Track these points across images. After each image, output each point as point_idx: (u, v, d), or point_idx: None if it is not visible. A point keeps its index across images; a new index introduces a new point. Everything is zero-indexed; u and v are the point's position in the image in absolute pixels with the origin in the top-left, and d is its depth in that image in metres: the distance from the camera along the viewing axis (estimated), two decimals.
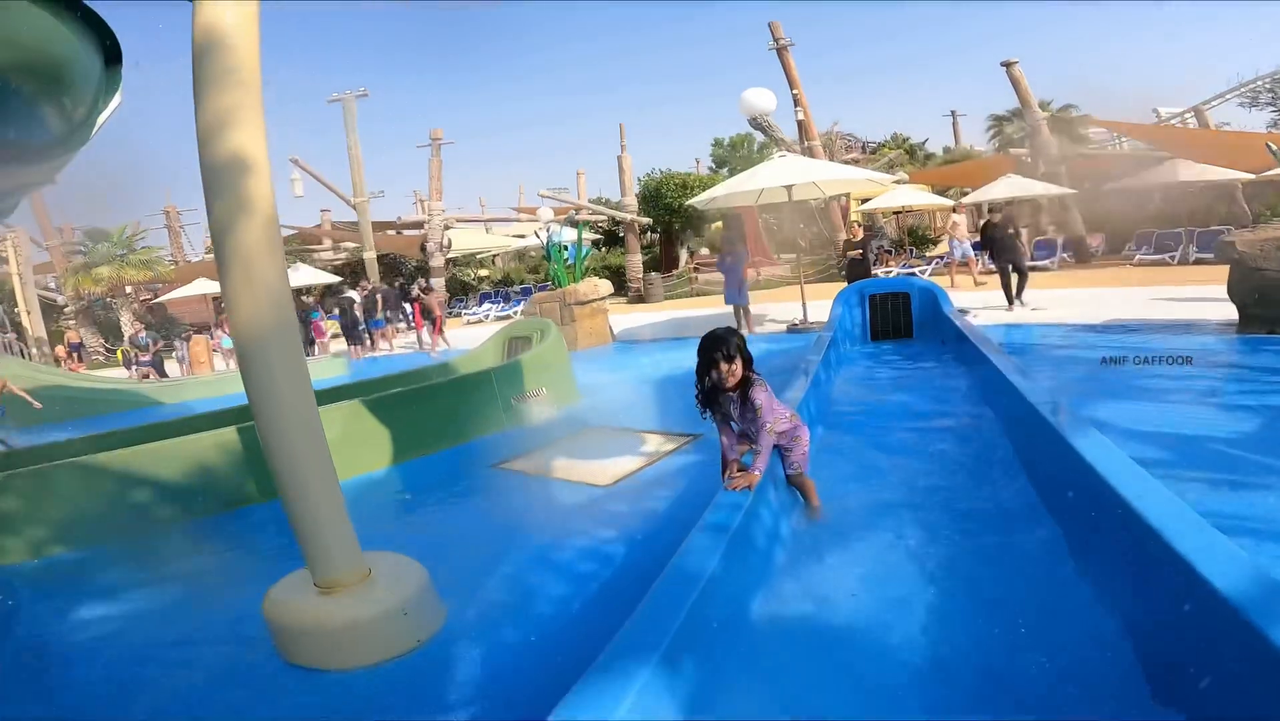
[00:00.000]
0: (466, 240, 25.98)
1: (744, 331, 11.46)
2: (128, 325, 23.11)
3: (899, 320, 7.85)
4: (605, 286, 12.51)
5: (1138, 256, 16.28)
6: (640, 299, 20.75)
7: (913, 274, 16.08)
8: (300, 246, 28.10)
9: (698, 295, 20.70)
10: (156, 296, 24.48)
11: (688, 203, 11.78)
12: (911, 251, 21.77)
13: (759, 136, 28.95)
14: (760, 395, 3.10)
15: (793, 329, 10.92)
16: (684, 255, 24.25)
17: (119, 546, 4.52)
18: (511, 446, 6.12)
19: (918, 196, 20.54)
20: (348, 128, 21.67)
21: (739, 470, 3.22)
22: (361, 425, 5.85)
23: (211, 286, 23.90)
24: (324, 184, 22.62)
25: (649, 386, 8.05)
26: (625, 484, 4.73)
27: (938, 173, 25.64)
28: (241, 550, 4.56)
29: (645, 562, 3.37)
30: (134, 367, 14.93)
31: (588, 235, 24.71)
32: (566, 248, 12.34)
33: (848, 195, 20.52)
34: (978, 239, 14.95)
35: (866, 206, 21.33)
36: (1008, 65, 18.91)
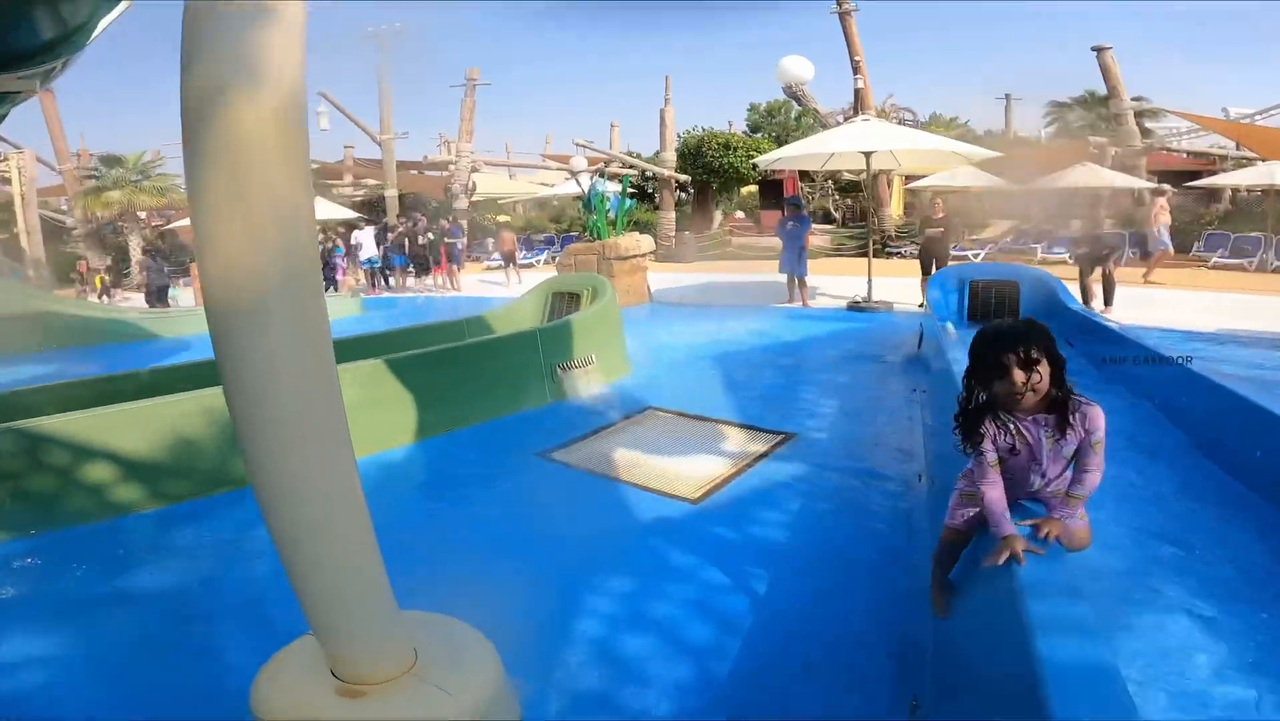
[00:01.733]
0: (491, 185, 24.62)
1: (799, 304, 10.33)
2: (135, 250, 22.07)
3: (1003, 312, 6.72)
4: (647, 242, 11.34)
5: (1214, 259, 14.92)
6: (670, 258, 19.54)
7: (965, 258, 14.85)
8: (320, 181, 26.73)
9: (730, 259, 19.46)
10: (169, 223, 23.28)
11: (757, 159, 10.48)
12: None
13: (796, 105, 27.28)
14: (1096, 419, 1.91)
15: (855, 306, 9.78)
16: (718, 216, 22.89)
17: (50, 539, 3.51)
18: (559, 427, 5.10)
19: (979, 178, 19.02)
20: (381, 63, 20.21)
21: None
22: (380, 390, 4.81)
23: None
24: (352, 120, 21.20)
25: (705, 362, 6.98)
26: (717, 498, 3.71)
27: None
28: (220, 557, 3.33)
29: (777, 631, 2.38)
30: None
31: (615, 188, 23.38)
32: (608, 199, 11.13)
33: (891, 171, 19.11)
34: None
35: (919, 185, 19.84)
36: (1099, 50, 17.24)
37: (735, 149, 20.15)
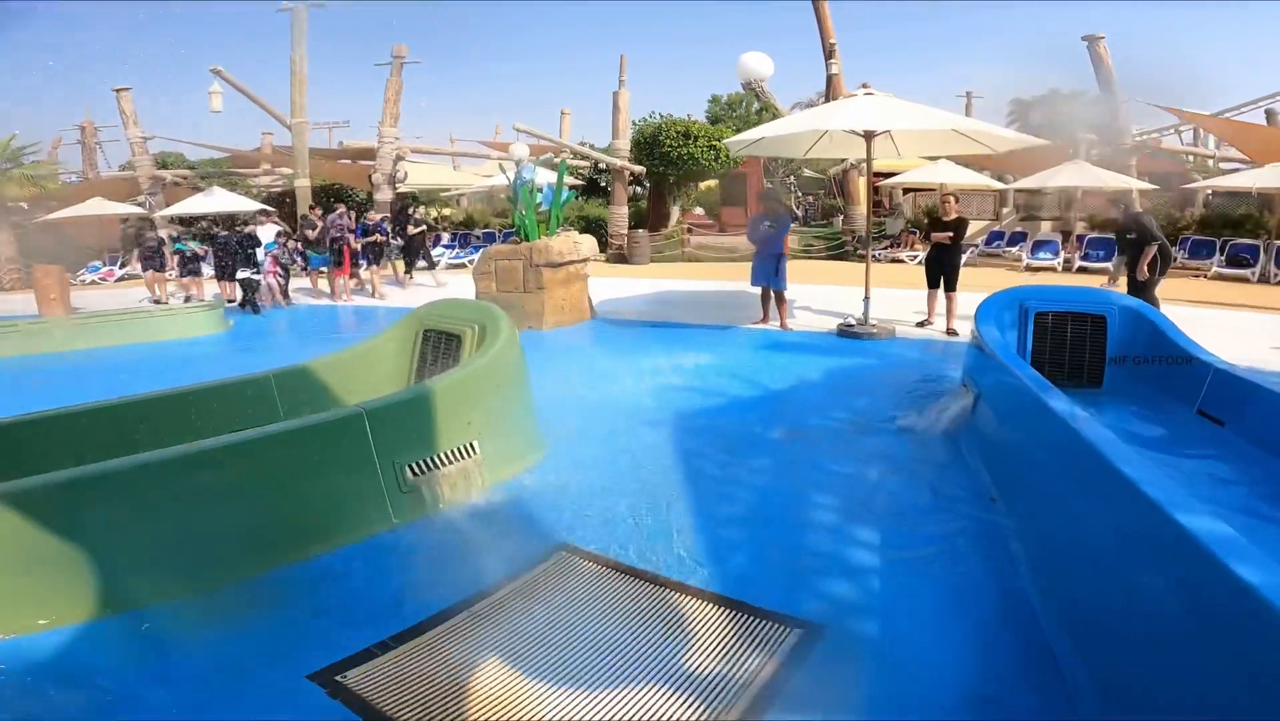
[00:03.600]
0: (427, 175, 21.79)
1: (776, 324, 8.06)
2: (5, 245, 18.66)
3: (1080, 355, 4.56)
4: (587, 245, 8.90)
5: (1215, 269, 13.25)
6: (622, 258, 17.14)
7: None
8: (231, 170, 23.43)
9: (689, 260, 17.16)
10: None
11: (724, 141, 8.10)
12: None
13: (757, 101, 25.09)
14: None
15: (848, 330, 7.53)
16: (675, 213, 20.55)
17: None
18: (385, 594, 2.72)
19: (960, 175, 17.03)
20: (295, 40, 17.16)
21: None
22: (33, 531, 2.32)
23: (109, 207, 19.43)
24: (254, 100, 18.06)
25: (657, 433, 4.63)
26: None
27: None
28: None
29: None
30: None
31: (570, 179, 20.78)
32: (539, 190, 8.66)
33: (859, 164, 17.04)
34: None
35: (893, 181, 17.86)
36: (1091, 40, 15.43)
37: (696, 138, 17.81)
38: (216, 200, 18.53)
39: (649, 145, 18.05)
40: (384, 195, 17.12)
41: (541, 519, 3.44)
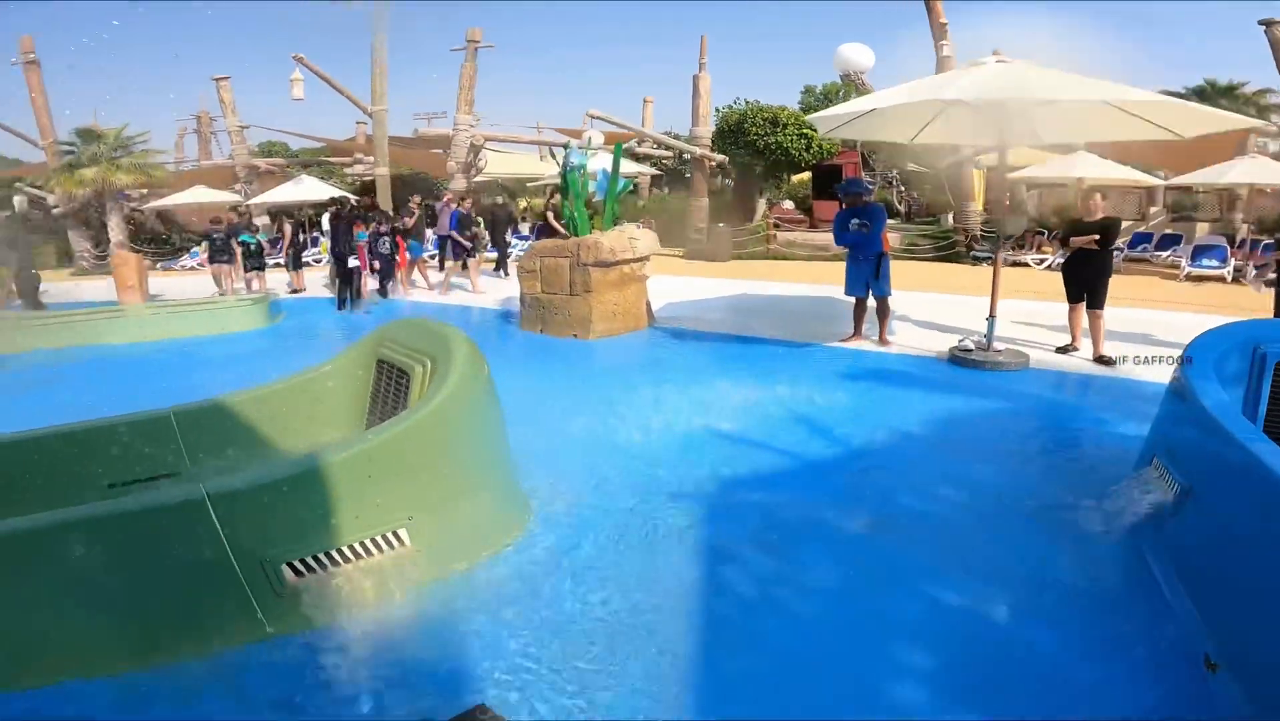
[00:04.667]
0: (511, 164, 21.19)
1: (871, 342, 6.50)
2: (116, 231, 19.47)
3: None
4: (646, 241, 7.62)
5: (1189, 269, 11.00)
6: (700, 254, 15.77)
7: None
8: (325, 159, 23.83)
9: (775, 258, 15.53)
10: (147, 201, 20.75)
11: (813, 117, 6.55)
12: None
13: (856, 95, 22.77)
14: None
15: (962, 356, 5.87)
16: (761, 206, 18.92)
17: None
18: None
19: (1101, 168, 14.34)
20: (376, 29, 16.91)
21: None
22: None
23: (209, 195, 20.01)
24: (336, 87, 17.92)
25: (700, 496, 3.34)
26: None
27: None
28: None
29: None
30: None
31: (641, 169, 19.53)
32: (591, 177, 7.48)
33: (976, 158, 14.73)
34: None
35: (1018, 175, 15.36)
36: (1268, 24, 12.61)
37: (785, 126, 16.12)
38: (305, 188, 18.66)
39: (733, 134, 16.53)
40: (459, 184, 16.54)
41: (468, 651, 2.26)
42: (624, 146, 17.49)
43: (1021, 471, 3.76)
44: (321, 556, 2.29)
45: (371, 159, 23.35)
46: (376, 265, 10.36)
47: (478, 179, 17.93)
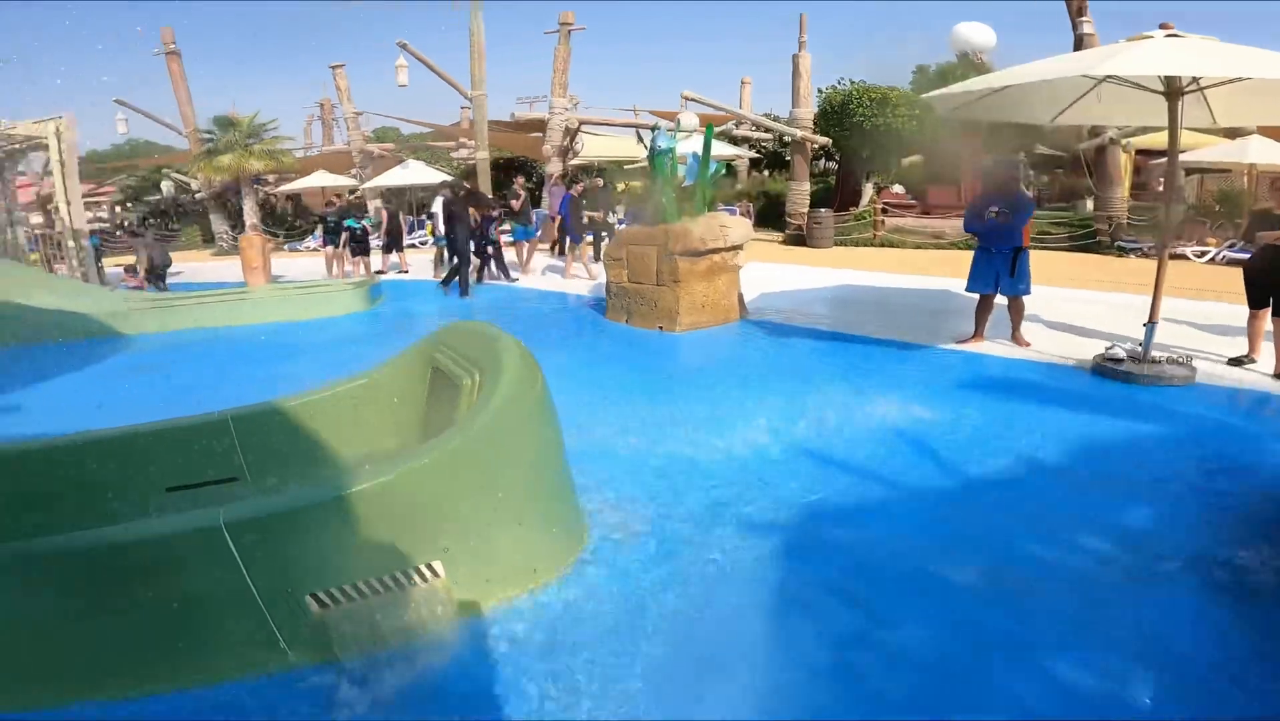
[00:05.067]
0: (609, 148, 21.01)
1: (999, 346, 5.73)
2: (250, 215, 20.95)
3: None
4: (739, 229, 7.12)
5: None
6: (800, 240, 14.94)
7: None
8: (431, 144, 24.64)
9: (883, 245, 14.46)
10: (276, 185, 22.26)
11: (929, 96, 5.77)
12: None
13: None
14: None
15: (1112, 366, 4.99)
16: (868, 191, 17.71)
17: None
18: None
19: (1276, 153, 12.26)
20: (473, 12, 17.12)
21: None
22: None
23: (330, 180, 21.15)
24: (437, 73, 18.31)
25: (780, 526, 2.92)
26: None
27: None
28: None
29: None
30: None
31: (738, 152, 18.74)
32: (679, 160, 7.04)
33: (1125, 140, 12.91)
34: None
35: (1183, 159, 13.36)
36: None
37: (895, 106, 14.89)
38: (412, 172, 19.31)
39: (837, 115, 15.47)
40: (554, 167, 16.53)
41: (490, 693, 1.97)
42: (720, 129, 16.85)
43: (1184, 515, 3.06)
44: (347, 589, 2.07)
45: (474, 143, 23.95)
46: (488, 250, 10.33)
47: (573, 161, 17.87)
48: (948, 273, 9.46)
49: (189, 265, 16.50)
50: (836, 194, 17.16)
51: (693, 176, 7.04)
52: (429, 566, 2.19)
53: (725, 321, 7.07)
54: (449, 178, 18.05)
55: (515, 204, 11.41)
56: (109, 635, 1.95)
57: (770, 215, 17.25)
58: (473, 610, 2.27)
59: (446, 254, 10.17)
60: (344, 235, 12.20)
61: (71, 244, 11.96)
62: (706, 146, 7.09)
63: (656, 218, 7.05)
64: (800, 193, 15.57)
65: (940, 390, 4.75)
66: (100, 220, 26.14)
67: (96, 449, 2.68)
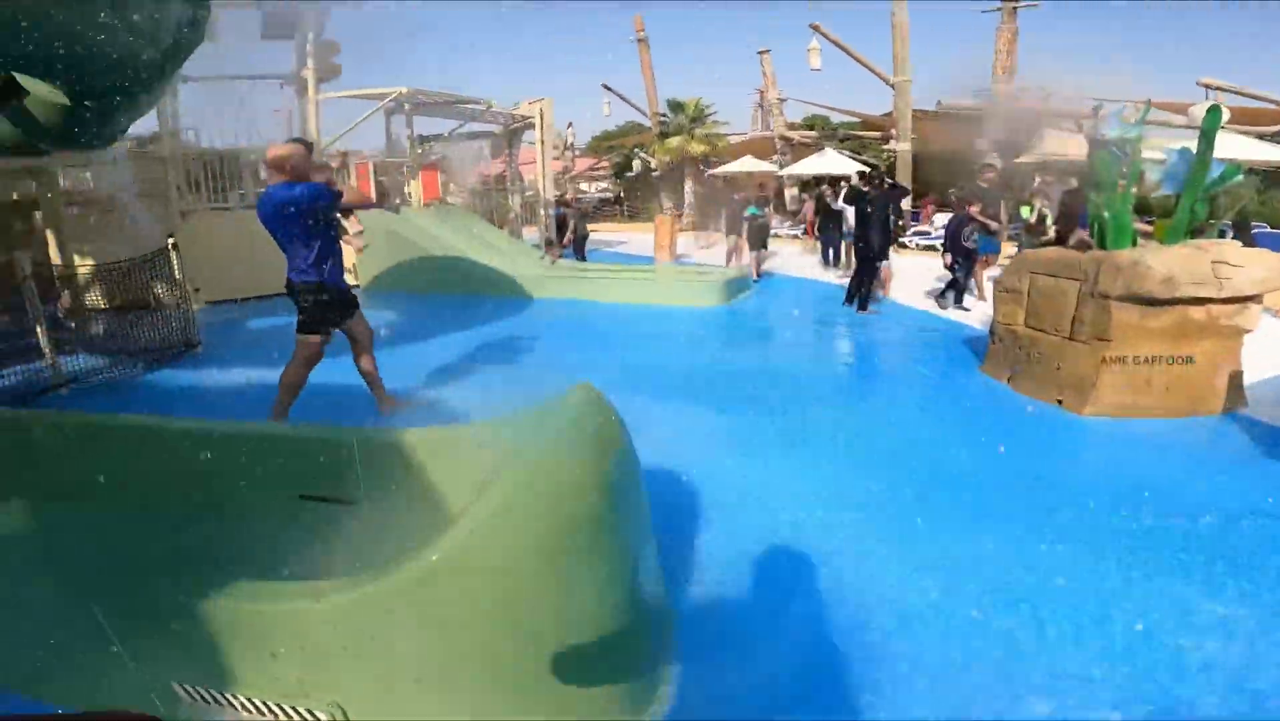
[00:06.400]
0: (1066, 143, 16.63)
1: None
2: (689, 195, 22.92)
3: None
4: (1253, 270, 4.29)
5: None
6: None
7: None
8: (858, 133, 23.13)
9: None
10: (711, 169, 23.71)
11: None
12: None
13: None
14: None
15: None
16: None
17: None
18: None
19: None
20: None
21: None
22: None
23: (755, 165, 21.65)
24: (853, 56, 16.62)
25: None
26: None
27: None
28: None
29: None
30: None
31: (1253, 148, 12.35)
32: (1156, 160, 4.50)
33: None
34: None
35: None
36: None
37: None
38: (827, 161, 18.49)
39: None
40: (995, 162, 13.61)
41: None
42: (1266, 130, 11.36)
43: None
44: (216, 693, 1.45)
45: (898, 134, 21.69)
46: (958, 260, 8.11)
47: (1019, 160, 14.49)
48: None
49: (635, 237, 18.64)
50: None
51: (1174, 184, 4.46)
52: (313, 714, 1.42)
53: (1191, 413, 4.41)
54: (863, 168, 16.61)
55: (973, 209, 8.12)
56: None
57: None
58: None
59: (854, 258, 8.38)
60: (744, 224, 11.74)
61: (541, 212, 14.69)
62: (1207, 140, 4.35)
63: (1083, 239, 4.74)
64: None
65: None
66: (603, 191, 31.77)
67: (238, 440, 2.66)
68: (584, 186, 31.60)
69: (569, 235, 12.38)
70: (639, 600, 1.88)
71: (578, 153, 27.05)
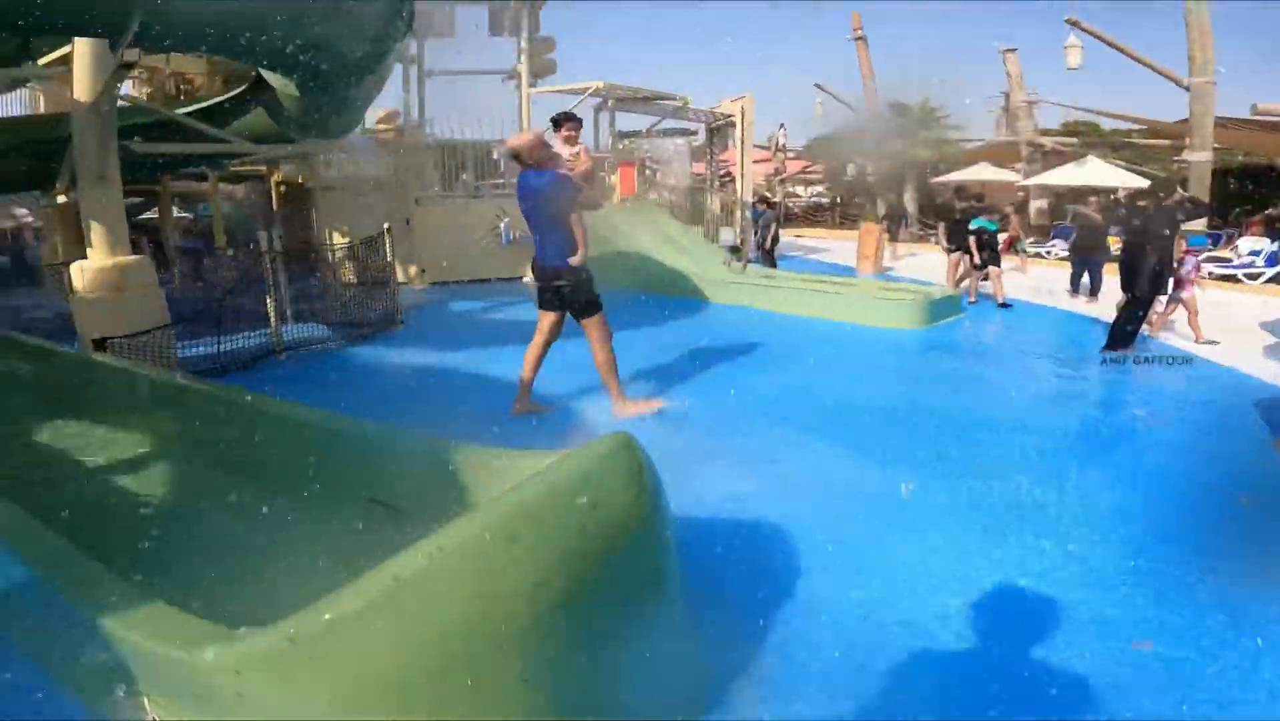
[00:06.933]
0: None
1: None
2: (910, 203, 20.99)
3: None
4: None
5: None
6: None
7: None
8: (1142, 141, 19.16)
9: None
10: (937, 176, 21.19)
11: None
12: None
13: None
14: None
15: None
16: None
17: None
18: None
19: None
20: None
21: None
22: None
23: (991, 173, 18.98)
24: (1125, 53, 13.39)
25: None
26: None
27: None
28: None
29: None
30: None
31: None
32: None
33: None
34: None
35: None
36: None
37: None
38: (1088, 171, 15.62)
39: None
40: None
41: None
42: None
43: None
44: None
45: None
46: None
47: None
48: None
49: (840, 244, 17.48)
50: None
51: None
52: None
53: None
54: (1145, 182, 13.59)
55: None
56: None
57: None
58: None
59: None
60: (971, 239, 10.00)
61: (738, 213, 14.18)
62: None
63: None
64: None
65: None
66: (818, 195, 30.36)
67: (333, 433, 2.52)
68: (797, 189, 30.40)
69: (769, 238, 11.76)
70: None
71: (790, 154, 25.79)
